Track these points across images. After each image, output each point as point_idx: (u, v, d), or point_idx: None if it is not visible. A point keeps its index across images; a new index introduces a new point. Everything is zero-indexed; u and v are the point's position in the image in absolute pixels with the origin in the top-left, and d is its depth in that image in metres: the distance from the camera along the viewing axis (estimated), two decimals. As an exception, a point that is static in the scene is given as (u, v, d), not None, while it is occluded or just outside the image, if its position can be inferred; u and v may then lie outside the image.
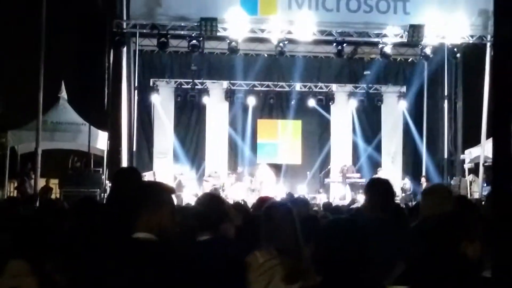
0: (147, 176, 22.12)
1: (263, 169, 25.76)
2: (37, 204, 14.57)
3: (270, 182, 25.07)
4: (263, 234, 5.11)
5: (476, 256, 4.03)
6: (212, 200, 5.63)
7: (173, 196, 4.30)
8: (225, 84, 27.89)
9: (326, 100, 28.04)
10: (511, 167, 3.00)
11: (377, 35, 22.99)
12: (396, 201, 12.55)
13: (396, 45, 23.96)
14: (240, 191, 23.75)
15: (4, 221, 6.16)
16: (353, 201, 20.21)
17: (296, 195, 15.67)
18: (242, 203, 9.59)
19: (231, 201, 12.61)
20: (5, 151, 23.14)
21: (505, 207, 3.04)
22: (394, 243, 5.28)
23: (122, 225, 4.20)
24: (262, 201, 7.72)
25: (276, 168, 26.80)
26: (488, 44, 22.52)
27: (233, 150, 28.05)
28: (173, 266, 3.90)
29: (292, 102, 27.84)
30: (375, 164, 27.22)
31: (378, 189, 6.02)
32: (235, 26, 22.17)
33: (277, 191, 23.24)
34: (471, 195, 22.73)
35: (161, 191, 4.14)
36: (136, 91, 24.31)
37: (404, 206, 13.42)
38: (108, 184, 20.00)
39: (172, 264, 3.92)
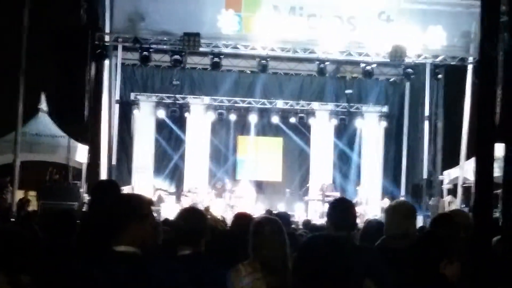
0: (126, 190, 21.98)
1: (244, 185, 25.77)
2: (15, 216, 14.47)
3: (249, 199, 25.07)
4: (251, 248, 5.11)
5: (455, 277, 3.99)
6: (193, 215, 5.58)
7: (152, 209, 4.26)
8: (206, 99, 27.84)
9: (307, 118, 28.06)
10: (492, 188, 3.01)
11: (360, 54, 23.09)
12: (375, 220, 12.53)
13: (378, 65, 24.06)
14: (219, 207, 23.67)
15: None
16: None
17: (276, 212, 15.60)
18: (221, 219, 9.55)
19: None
20: (-17, 162, 22.97)
21: (484, 226, 3.04)
22: (360, 262, 5.24)
23: (102, 239, 4.15)
24: (239, 217, 7.70)
25: (257, 185, 26.81)
26: (470, 66, 22.68)
27: (213, 165, 27.95)
28: (154, 280, 3.86)
29: (273, 119, 27.77)
30: (355, 183, 27.26)
31: (341, 208, 5.97)
32: (218, 42, 22.24)
33: (256, 208, 23.20)
34: (449, 216, 22.75)
35: (143, 204, 4.11)
36: (117, 105, 24.23)
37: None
38: (86, 197, 19.87)
39: (153, 278, 3.88)
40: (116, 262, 3.88)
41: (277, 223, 5.39)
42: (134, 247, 3.90)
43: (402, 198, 24.70)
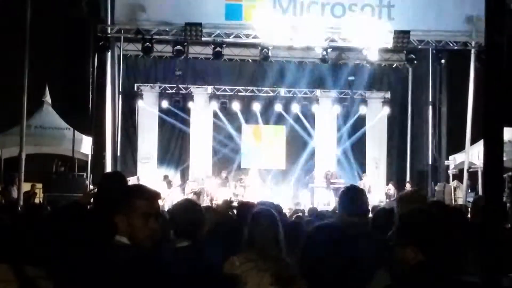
0: (132, 181, 22.06)
1: (252, 174, 25.81)
2: (21, 208, 14.50)
3: (256, 188, 25.08)
4: (247, 238, 5.13)
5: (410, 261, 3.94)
6: (190, 207, 5.62)
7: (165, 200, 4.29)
8: (209, 89, 27.88)
9: (310, 106, 28.06)
10: (502, 172, 3.01)
11: (361, 41, 23.04)
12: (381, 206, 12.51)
13: (381, 51, 24.02)
14: (224, 195, 23.71)
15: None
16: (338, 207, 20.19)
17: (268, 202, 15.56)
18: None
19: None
20: (-11, 156, 23.07)
21: (495, 212, 3.05)
22: (372, 250, 5.22)
23: (105, 230, 4.18)
24: (243, 206, 7.72)
25: (265, 173, 26.80)
26: (473, 51, 22.63)
27: (217, 154, 27.98)
28: (143, 272, 3.88)
29: (276, 108, 27.76)
30: (360, 170, 27.28)
31: (353, 195, 5.98)
32: (220, 31, 22.25)
33: (262, 197, 23.22)
34: (455, 201, 22.79)
35: (132, 196, 4.12)
36: (120, 96, 24.27)
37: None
38: (92, 189, 19.89)
39: (143, 269, 3.90)
40: (111, 254, 3.91)
41: (270, 213, 5.43)
42: (125, 237, 3.94)
43: (407, 184, 24.74)
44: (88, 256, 4.00)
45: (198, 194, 23.71)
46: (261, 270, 4.84)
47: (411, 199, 6.02)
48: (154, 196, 4.20)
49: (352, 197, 5.89)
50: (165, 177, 25.42)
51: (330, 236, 3.75)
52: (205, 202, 22.74)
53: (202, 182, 25.28)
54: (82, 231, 4.59)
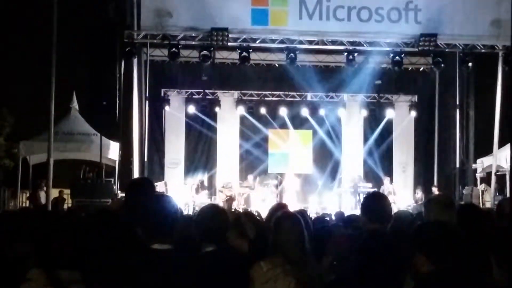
0: (159, 186, 22.16)
1: (290, 179, 25.93)
2: (51, 214, 14.59)
3: (293, 192, 25.26)
4: (272, 243, 5.14)
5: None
6: (216, 212, 5.67)
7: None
8: (236, 94, 27.98)
9: (337, 110, 28.01)
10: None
11: (388, 44, 22.99)
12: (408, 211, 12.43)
13: (407, 54, 23.94)
14: (264, 199, 23.89)
15: (19, 231, 6.17)
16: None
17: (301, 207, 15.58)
18: (256, 214, 9.54)
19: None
20: (17, 162, 23.30)
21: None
22: (399, 257, 5.21)
23: (134, 236, 4.22)
24: (276, 210, 7.66)
25: (294, 178, 26.79)
26: (500, 53, 22.49)
27: (244, 159, 28.01)
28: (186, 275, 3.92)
29: (303, 112, 27.73)
30: (386, 174, 27.13)
31: (375, 201, 5.98)
32: (246, 36, 22.30)
33: (290, 201, 23.23)
34: (483, 204, 22.65)
35: None
36: (147, 102, 24.35)
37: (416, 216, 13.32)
38: (120, 194, 20.00)
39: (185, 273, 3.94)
40: (154, 259, 3.95)
41: (295, 218, 5.43)
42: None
43: (434, 189, 24.63)
44: (120, 262, 4.03)
45: (230, 200, 23.85)
46: (288, 275, 4.85)
47: (439, 203, 5.98)
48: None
49: (375, 203, 5.89)
50: (201, 182, 25.64)
51: (382, 245, 3.81)
52: (237, 207, 22.94)
53: (231, 188, 25.30)
54: (114, 237, 4.63)
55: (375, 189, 22.36)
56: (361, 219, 6.01)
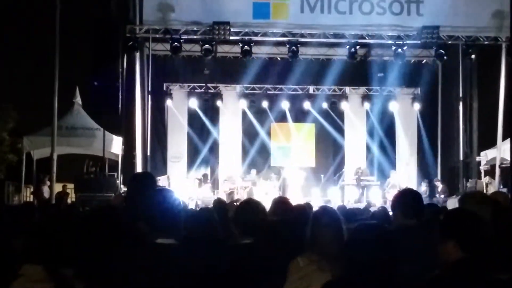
0: (161, 180, 22.20)
1: (294, 173, 25.90)
2: (53, 208, 14.62)
3: (296, 186, 25.21)
4: (308, 239, 5.14)
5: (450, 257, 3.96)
6: (254, 206, 5.92)
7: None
8: (238, 88, 27.96)
9: (339, 103, 28.00)
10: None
11: (391, 37, 22.95)
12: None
13: (409, 47, 23.88)
14: (256, 194, 23.76)
15: (21, 226, 6.17)
16: (369, 204, 20.12)
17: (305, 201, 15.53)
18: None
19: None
20: (21, 156, 23.36)
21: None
22: (428, 254, 5.19)
23: (136, 231, 4.22)
24: (278, 202, 7.54)
25: (297, 171, 26.75)
26: (503, 45, 22.43)
27: (247, 153, 28.01)
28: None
29: (305, 105, 27.72)
30: (390, 167, 27.11)
31: (410, 197, 6.03)
32: (248, 29, 22.29)
33: (294, 194, 23.22)
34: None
35: None
36: (149, 96, 24.35)
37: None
38: (123, 189, 20.03)
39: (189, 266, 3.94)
40: (157, 254, 3.96)
41: (334, 213, 5.42)
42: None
43: (438, 183, 24.62)
44: (121, 257, 4.02)
45: (232, 194, 23.84)
46: (325, 271, 4.82)
47: (473, 197, 6.02)
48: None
49: (410, 198, 5.95)
50: (204, 176, 25.66)
51: (373, 235, 3.78)
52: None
53: (234, 181, 25.28)
54: (115, 233, 4.63)
55: (407, 186, 22.20)
56: (395, 214, 6.07)
